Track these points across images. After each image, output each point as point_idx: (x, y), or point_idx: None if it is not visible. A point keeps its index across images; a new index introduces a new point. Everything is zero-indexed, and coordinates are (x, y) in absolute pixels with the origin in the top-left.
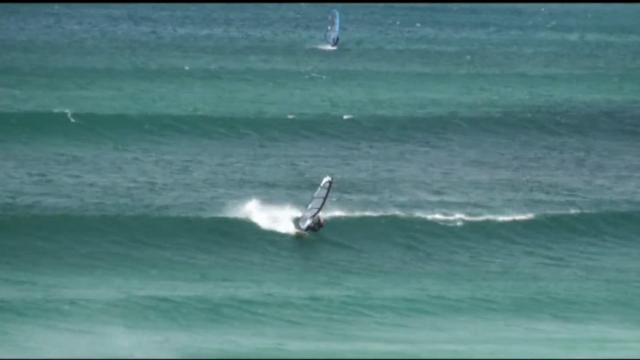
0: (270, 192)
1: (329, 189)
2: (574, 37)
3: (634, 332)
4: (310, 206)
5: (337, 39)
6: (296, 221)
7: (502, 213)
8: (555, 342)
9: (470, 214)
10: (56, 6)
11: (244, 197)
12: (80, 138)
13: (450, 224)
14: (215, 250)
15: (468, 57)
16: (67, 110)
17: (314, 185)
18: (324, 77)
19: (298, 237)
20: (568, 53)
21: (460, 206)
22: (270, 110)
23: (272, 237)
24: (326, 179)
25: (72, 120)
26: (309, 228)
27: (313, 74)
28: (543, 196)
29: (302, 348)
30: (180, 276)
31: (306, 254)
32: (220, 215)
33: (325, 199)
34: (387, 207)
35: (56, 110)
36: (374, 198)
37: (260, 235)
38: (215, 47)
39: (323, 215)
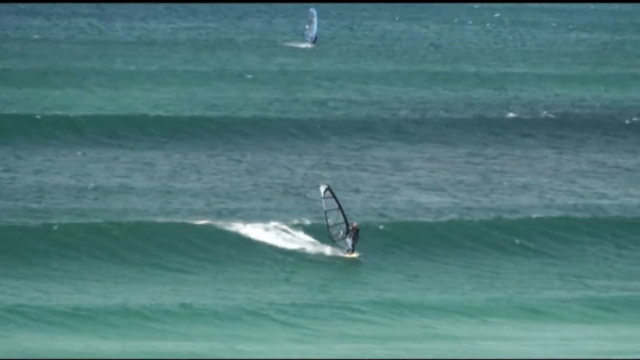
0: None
1: (334, 195)
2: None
3: None
4: (330, 222)
5: (316, 37)
6: (335, 243)
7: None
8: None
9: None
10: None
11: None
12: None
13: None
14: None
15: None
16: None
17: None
18: (303, 75)
19: (351, 259)
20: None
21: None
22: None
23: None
24: (322, 187)
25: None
26: (354, 246)
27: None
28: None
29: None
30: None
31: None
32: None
33: (340, 207)
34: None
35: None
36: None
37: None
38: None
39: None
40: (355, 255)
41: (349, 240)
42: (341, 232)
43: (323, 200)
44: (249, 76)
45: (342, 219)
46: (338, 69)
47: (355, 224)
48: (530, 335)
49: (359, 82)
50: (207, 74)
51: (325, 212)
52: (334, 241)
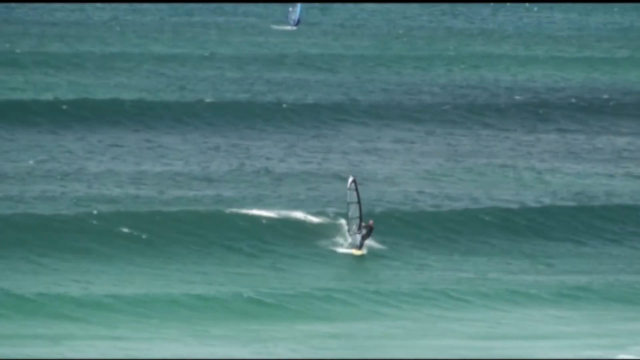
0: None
1: (357, 189)
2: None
3: None
4: (350, 215)
5: (299, 20)
6: (347, 239)
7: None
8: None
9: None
10: None
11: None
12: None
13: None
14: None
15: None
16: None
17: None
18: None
19: (360, 256)
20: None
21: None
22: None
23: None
24: (350, 179)
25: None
26: (362, 243)
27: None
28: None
29: None
30: None
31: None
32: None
33: (359, 202)
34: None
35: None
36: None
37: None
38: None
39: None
40: (362, 252)
41: (358, 236)
42: (354, 227)
43: (348, 191)
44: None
45: (357, 214)
46: (316, 52)
47: (371, 222)
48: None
49: (338, 63)
50: (184, 56)
51: (348, 203)
52: (348, 234)
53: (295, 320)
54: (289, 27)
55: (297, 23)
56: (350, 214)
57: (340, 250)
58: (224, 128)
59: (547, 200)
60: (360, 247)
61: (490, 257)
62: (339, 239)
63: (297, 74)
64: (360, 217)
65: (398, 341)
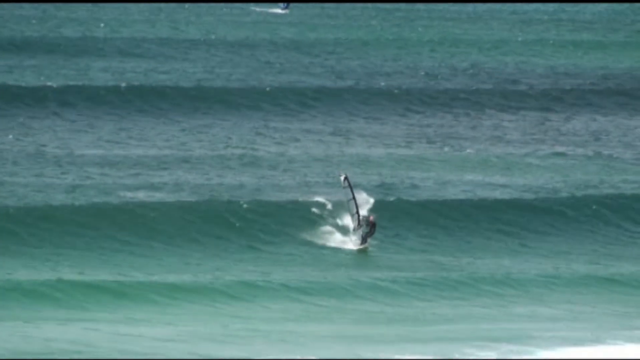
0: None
1: (350, 186)
2: None
3: None
4: (350, 212)
5: (288, 4)
6: (351, 235)
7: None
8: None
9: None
10: None
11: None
12: None
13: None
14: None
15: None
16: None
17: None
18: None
19: (363, 251)
20: None
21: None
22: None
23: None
24: (342, 177)
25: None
26: (365, 238)
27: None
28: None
29: None
30: None
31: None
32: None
33: (354, 198)
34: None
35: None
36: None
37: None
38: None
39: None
40: (365, 245)
41: (359, 232)
42: (355, 223)
43: (343, 189)
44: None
45: (354, 210)
46: (307, 36)
47: (371, 217)
48: None
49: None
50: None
51: (346, 201)
52: (353, 231)
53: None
54: (278, 10)
55: (287, 7)
56: (350, 211)
57: (346, 246)
58: (212, 111)
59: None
60: (362, 242)
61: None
62: (343, 234)
63: (286, 56)
64: (357, 213)
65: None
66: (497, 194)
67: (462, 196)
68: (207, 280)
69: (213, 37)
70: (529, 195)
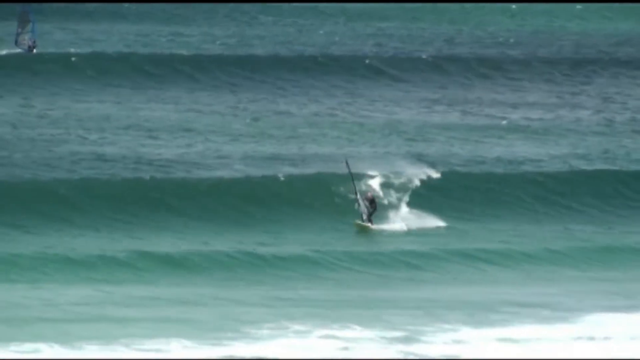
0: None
1: (349, 169)
2: None
3: None
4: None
5: (34, 43)
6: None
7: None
8: None
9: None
10: None
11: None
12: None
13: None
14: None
15: None
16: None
17: None
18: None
19: (361, 229)
20: None
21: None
22: None
23: None
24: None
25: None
26: (369, 216)
27: None
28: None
29: None
30: None
31: None
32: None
33: (352, 180)
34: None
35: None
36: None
37: None
38: None
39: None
40: (369, 225)
41: (364, 214)
42: (355, 204)
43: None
44: None
45: (354, 193)
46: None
47: (369, 194)
48: None
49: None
50: None
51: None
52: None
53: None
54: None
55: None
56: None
57: (357, 221)
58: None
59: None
60: (364, 220)
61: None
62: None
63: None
64: (356, 193)
65: None
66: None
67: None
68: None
69: None
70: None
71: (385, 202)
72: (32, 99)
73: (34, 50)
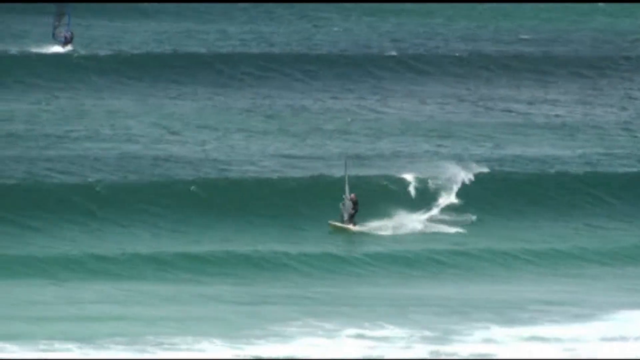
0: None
1: (345, 167)
2: None
3: None
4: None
5: (71, 36)
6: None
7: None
8: None
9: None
10: None
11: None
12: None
13: None
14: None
15: None
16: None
17: None
18: None
19: (351, 231)
20: None
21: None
22: None
23: None
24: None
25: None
26: (351, 216)
27: None
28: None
29: None
30: None
31: None
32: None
33: (345, 179)
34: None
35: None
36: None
37: None
38: None
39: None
40: (349, 226)
41: (345, 214)
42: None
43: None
44: None
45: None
46: None
47: (352, 195)
48: None
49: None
50: None
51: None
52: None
53: None
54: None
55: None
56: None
57: (331, 221)
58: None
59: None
60: (343, 220)
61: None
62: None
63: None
64: (344, 193)
65: None
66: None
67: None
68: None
69: None
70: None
71: (406, 201)
72: (55, 96)
73: (70, 44)
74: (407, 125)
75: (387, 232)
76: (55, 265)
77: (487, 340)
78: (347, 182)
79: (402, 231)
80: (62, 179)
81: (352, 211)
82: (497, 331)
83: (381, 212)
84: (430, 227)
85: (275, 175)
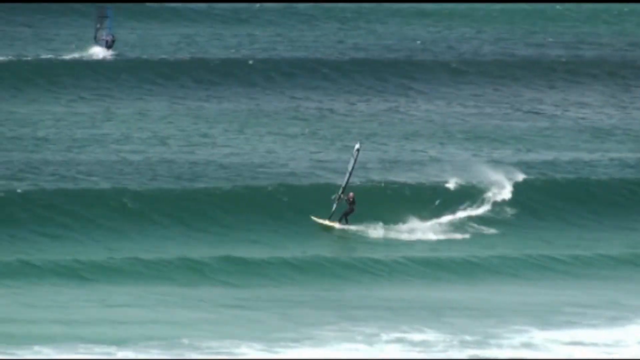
0: None
1: (356, 159)
2: None
3: None
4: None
5: (113, 39)
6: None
7: None
8: None
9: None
10: None
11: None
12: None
13: None
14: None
15: None
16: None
17: None
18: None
19: (329, 227)
20: None
21: None
22: None
23: None
24: (356, 146)
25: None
26: (344, 215)
27: None
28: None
29: None
30: None
31: None
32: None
33: (350, 172)
34: None
35: None
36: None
37: None
38: None
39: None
40: (334, 224)
41: (334, 206)
42: (334, 195)
43: (351, 158)
44: None
45: (343, 184)
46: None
47: (351, 194)
48: None
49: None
50: None
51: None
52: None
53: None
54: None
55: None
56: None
57: (313, 217)
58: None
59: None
60: (337, 219)
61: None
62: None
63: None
64: (344, 188)
65: None
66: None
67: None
68: None
69: None
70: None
71: (436, 204)
72: (86, 98)
73: (112, 48)
74: (438, 128)
75: (378, 234)
76: (90, 269)
77: (527, 345)
78: (350, 175)
79: (417, 236)
80: (95, 181)
81: (348, 210)
82: (536, 335)
83: (401, 215)
84: (463, 231)
85: (307, 180)
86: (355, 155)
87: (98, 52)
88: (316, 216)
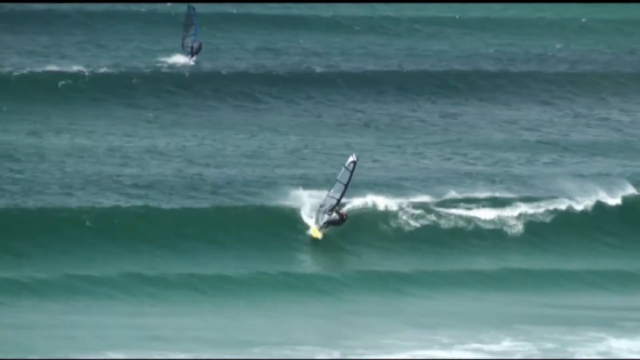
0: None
1: (352, 172)
2: None
3: None
4: (331, 193)
5: (199, 46)
6: (316, 215)
7: None
8: None
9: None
10: None
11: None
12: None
13: None
14: None
15: None
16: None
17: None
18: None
19: (314, 237)
20: None
21: None
22: None
23: None
24: (351, 158)
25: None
26: (328, 223)
27: None
28: None
29: None
30: None
31: None
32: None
33: (347, 185)
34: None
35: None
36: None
37: None
38: None
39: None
40: (319, 235)
41: (326, 216)
42: (327, 206)
43: (343, 168)
44: None
45: (337, 196)
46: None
47: (344, 211)
48: None
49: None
50: None
51: (336, 180)
52: (320, 209)
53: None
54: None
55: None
56: (332, 191)
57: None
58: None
59: None
60: (320, 227)
61: None
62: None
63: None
64: (338, 201)
65: None
66: None
67: None
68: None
69: None
70: None
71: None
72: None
73: (195, 57)
74: (507, 139)
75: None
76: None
77: (605, 353)
78: (344, 190)
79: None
80: (141, 201)
81: (338, 218)
82: (613, 343)
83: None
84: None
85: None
86: (350, 168)
87: (181, 60)
88: (314, 230)
